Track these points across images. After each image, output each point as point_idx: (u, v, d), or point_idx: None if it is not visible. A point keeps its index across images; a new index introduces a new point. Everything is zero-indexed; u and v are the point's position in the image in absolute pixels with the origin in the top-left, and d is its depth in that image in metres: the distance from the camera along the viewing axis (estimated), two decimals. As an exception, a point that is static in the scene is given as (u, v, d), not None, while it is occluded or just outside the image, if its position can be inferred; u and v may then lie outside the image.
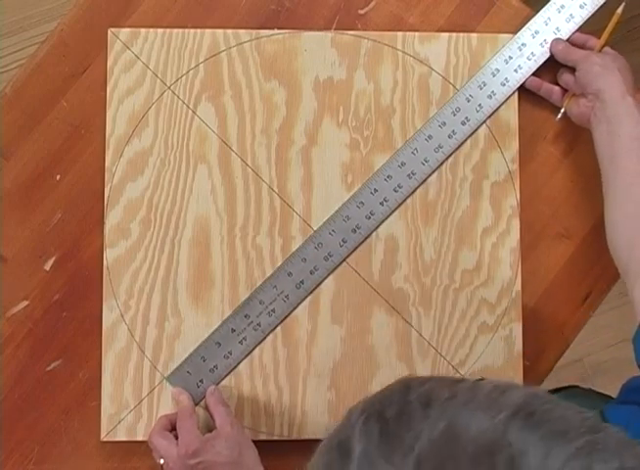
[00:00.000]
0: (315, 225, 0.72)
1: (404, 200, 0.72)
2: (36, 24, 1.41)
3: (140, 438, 0.69)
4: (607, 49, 0.70)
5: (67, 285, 0.71)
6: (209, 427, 0.66)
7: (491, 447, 0.33)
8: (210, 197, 0.71)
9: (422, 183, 0.72)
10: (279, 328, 0.71)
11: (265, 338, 0.70)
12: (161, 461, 0.63)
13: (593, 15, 0.72)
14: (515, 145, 0.73)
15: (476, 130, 0.72)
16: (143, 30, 0.72)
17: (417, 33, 0.73)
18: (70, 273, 0.71)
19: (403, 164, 0.72)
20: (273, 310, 0.70)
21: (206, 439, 0.62)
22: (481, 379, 0.38)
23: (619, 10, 0.71)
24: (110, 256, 0.70)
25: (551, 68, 0.73)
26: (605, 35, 0.70)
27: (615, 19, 0.71)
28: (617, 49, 0.70)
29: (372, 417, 0.37)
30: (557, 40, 0.71)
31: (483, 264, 0.72)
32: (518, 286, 0.72)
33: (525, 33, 0.72)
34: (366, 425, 0.37)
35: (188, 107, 0.72)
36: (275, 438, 0.69)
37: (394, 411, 0.36)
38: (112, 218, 0.71)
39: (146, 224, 0.71)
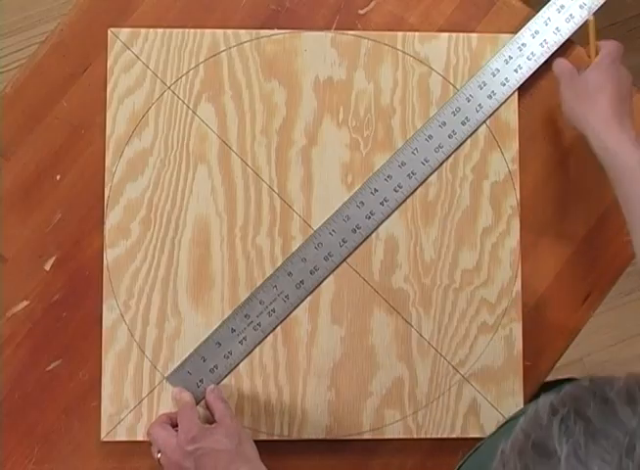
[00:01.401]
0: (315, 225, 0.72)
1: (404, 200, 0.72)
2: (36, 24, 1.41)
3: (140, 438, 0.69)
4: (602, 56, 0.68)
5: (67, 285, 0.71)
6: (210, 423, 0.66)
7: None
8: (210, 197, 0.71)
9: (422, 183, 0.72)
10: (279, 328, 0.71)
11: (265, 338, 0.70)
12: (158, 455, 0.63)
13: (593, 15, 0.72)
14: (515, 145, 0.73)
15: (476, 130, 0.73)
16: (143, 30, 0.72)
17: (417, 33, 0.73)
18: (70, 273, 0.71)
19: (403, 163, 0.72)
20: (273, 310, 0.70)
21: (207, 428, 0.62)
22: None
23: (591, 17, 0.70)
24: (110, 256, 0.70)
25: (551, 67, 0.73)
26: (592, 47, 0.69)
27: (591, 26, 0.70)
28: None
29: (569, 416, 0.37)
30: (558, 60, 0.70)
31: (483, 264, 0.72)
32: (518, 286, 0.72)
33: (525, 33, 0.72)
34: (565, 424, 0.37)
35: (188, 107, 0.72)
36: (275, 438, 0.69)
37: (595, 409, 0.37)
38: (112, 218, 0.71)
39: (146, 224, 0.71)
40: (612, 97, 0.64)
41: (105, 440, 0.69)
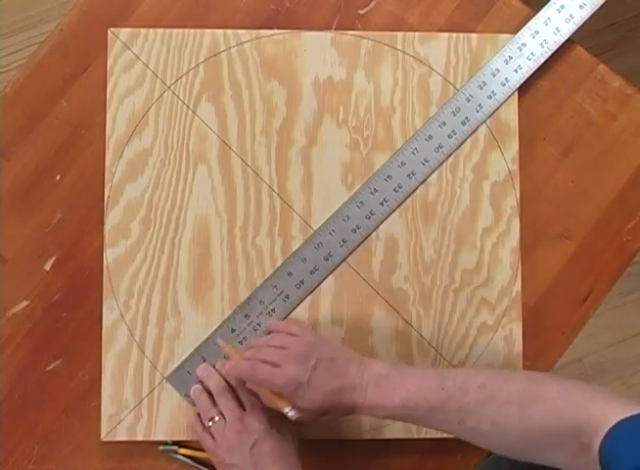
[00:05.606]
0: (315, 225, 0.72)
1: (404, 200, 0.72)
2: (36, 24, 1.41)
3: (140, 438, 0.69)
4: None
5: (67, 285, 0.71)
6: None
7: None
8: (210, 197, 0.71)
9: (422, 183, 0.72)
10: (279, 328, 0.71)
11: (265, 338, 0.70)
12: (215, 419, 0.64)
13: (593, 15, 0.72)
14: (515, 145, 0.73)
15: (475, 130, 0.73)
16: (143, 30, 0.72)
17: (417, 33, 0.73)
18: (70, 273, 0.71)
19: (403, 163, 0.72)
20: (273, 310, 0.70)
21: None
22: None
23: (220, 342, 0.67)
24: (110, 256, 0.70)
25: (551, 67, 0.73)
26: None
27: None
28: (618, 49, 0.70)
29: None
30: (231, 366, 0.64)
31: (483, 264, 0.72)
32: (518, 286, 0.72)
33: (525, 33, 0.72)
34: None
35: (188, 107, 0.72)
36: (275, 438, 0.69)
37: None
38: (112, 218, 0.71)
39: (146, 224, 0.71)
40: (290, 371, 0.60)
41: (105, 440, 0.69)
